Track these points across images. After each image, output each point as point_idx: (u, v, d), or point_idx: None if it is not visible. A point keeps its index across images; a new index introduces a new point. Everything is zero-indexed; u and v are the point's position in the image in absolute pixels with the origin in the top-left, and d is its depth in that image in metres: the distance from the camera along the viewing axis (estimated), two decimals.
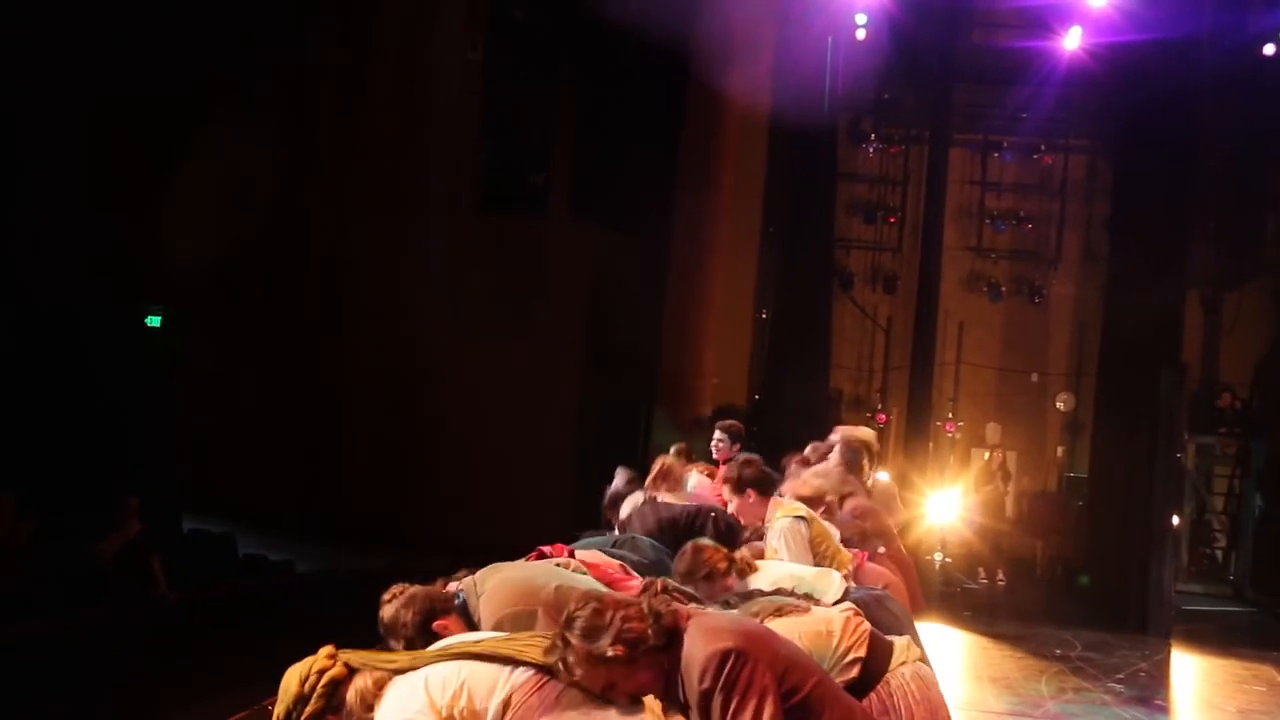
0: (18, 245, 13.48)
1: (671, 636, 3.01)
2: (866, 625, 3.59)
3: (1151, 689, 9.52)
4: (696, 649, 2.98)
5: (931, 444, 14.96)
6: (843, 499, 6.22)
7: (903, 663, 3.57)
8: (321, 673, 3.29)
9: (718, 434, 7.51)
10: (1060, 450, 17.34)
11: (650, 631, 2.98)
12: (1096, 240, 16.87)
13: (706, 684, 2.92)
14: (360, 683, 3.26)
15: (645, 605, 3.04)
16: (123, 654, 7.66)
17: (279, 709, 3.30)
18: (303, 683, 3.28)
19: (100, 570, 8.45)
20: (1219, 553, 15.66)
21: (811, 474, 6.35)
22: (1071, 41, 14.60)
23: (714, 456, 7.42)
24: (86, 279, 13.48)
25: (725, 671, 2.91)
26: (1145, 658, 10.58)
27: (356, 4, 15.21)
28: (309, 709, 3.26)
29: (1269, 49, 13.98)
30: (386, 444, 14.62)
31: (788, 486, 6.00)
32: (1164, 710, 9.01)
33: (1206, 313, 16.47)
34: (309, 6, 15.01)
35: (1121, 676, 9.78)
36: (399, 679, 3.23)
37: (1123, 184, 15.01)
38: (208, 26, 14.54)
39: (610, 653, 2.95)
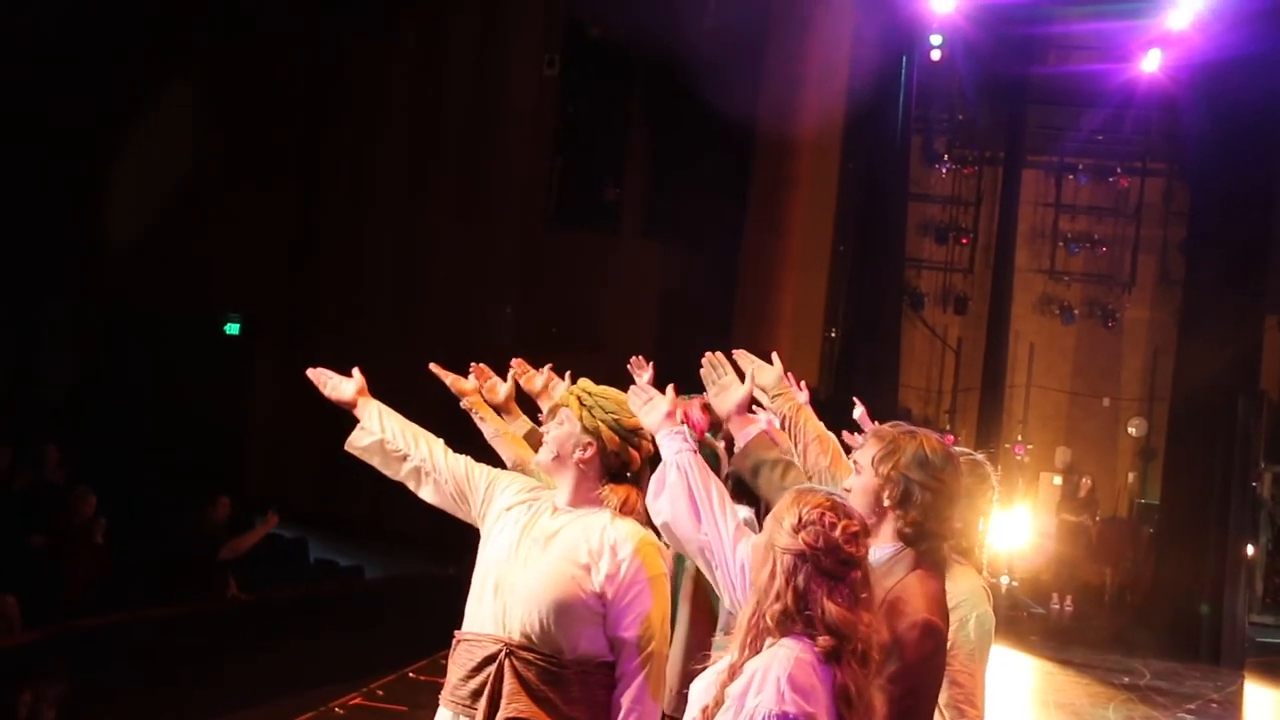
0: (100, 250, 13.85)
1: None
2: None
3: None
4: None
5: (999, 467, 14.78)
6: None
7: None
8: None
9: None
10: (1131, 476, 17.07)
11: None
12: (1172, 264, 16.63)
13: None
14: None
15: None
16: (195, 650, 7.83)
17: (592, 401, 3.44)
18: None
19: (177, 569, 8.64)
20: None
21: None
22: (1150, 64, 14.46)
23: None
24: (167, 285, 13.80)
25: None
26: (1218, 689, 10.41)
27: (432, 18, 15.42)
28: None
29: None
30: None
31: None
32: None
33: None
34: (385, 20, 15.25)
35: (1192, 707, 9.63)
36: None
37: (1200, 207, 14.80)
38: (284, 41, 14.85)
39: None
